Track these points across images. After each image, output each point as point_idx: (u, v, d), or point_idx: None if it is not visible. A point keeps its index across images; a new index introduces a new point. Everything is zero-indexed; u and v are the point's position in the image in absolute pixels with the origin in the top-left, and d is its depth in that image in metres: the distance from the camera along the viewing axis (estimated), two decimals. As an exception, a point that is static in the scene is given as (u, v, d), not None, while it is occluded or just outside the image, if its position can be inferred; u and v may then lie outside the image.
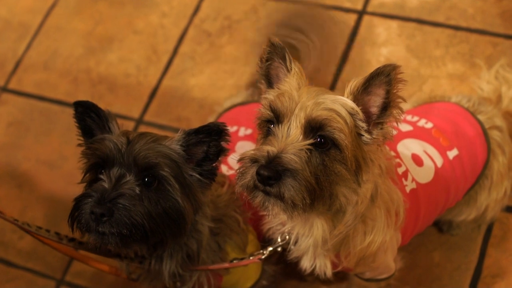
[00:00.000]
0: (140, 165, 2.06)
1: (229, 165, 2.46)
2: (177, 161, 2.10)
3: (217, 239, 2.29)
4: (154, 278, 2.29)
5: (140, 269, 2.30)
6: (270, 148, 1.87)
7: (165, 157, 2.08)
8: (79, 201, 2.08)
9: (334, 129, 1.87)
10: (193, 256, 2.24)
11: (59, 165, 3.40)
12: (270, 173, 1.84)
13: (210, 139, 2.11)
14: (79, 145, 2.22)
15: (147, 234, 2.07)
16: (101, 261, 2.46)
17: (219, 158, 2.14)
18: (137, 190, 2.05)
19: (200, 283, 2.35)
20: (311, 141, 1.88)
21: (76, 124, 2.20)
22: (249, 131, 2.58)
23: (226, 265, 2.29)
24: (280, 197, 1.87)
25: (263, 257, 2.29)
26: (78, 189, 3.21)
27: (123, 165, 2.06)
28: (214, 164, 2.15)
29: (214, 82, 3.44)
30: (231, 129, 2.56)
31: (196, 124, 3.27)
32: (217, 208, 2.27)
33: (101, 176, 2.08)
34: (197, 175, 2.14)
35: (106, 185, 2.05)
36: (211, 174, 2.16)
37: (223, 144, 2.11)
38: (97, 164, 2.11)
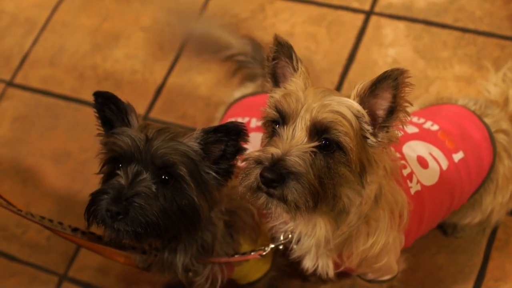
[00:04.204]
0: (157, 163, 2.06)
1: (241, 157, 2.46)
2: (194, 159, 2.10)
3: (230, 231, 2.30)
4: (166, 269, 2.30)
5: (152, 259, 2.31)
6: (275, 150, 1.86)
7: (183, 155, 2.08)
8: (95, 196, 2.08)
9: (340, 132, 1.85)
10: (208, 248, 2.25)
11: (64, 161, 3.40)
12: (273, 176, 1.83)
13: (228, 138, 2.11)
14: (99, 134, 2.22)
15: (161, 231, 2.08)
16: (115, 252, 2.45)
17: (236, 157, 2.14)
18: (154, 188, 2.06)
19: (214, 274, 2.36)
20: (315, 143, 1.86)
21: (96, 115, 2.20)
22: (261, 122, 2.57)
23: (225, 259, 2.30)
24: (283, 200, 1.86)
25: (264, 253, 2.29)
26: (83, 185, 3.27)
27: (141, 162, 2.07)
28: (231, 162, 2.15)
29: (220, 80, 3.44)
30: (243, 120, 2.55)
31: (201, 122, 3.29)
32: (232, 200, 2.27)
33: (118, 172, 2.09)
34: (213, 173, 2.14)
35: (122, 181, 2.06)
36: (228, 172, 2.16)
37: (242, 143, 2.11)
38: (115, 158, 2.11)
